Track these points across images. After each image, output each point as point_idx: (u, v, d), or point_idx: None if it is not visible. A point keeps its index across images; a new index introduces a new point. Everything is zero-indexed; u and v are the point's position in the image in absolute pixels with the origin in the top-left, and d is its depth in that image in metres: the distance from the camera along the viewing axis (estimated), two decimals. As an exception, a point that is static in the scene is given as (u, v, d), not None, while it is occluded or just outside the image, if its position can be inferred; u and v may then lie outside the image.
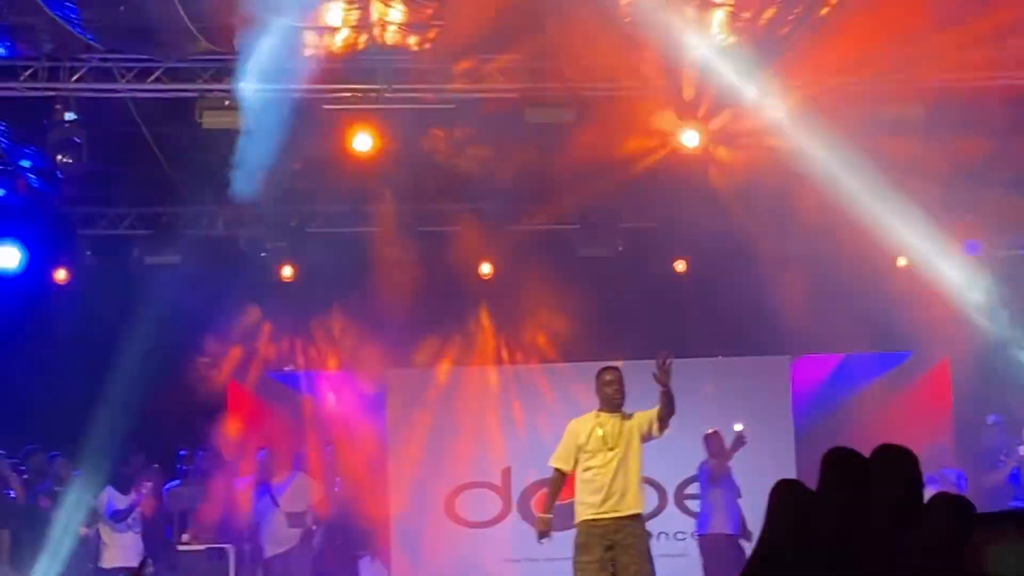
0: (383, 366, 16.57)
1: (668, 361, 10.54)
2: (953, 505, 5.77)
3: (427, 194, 15.65)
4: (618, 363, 11.33)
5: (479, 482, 16.74)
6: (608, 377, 11.01)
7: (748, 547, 13.82)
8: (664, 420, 10.80)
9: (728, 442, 14.74)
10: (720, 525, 14.73)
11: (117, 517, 14.28)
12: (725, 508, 14.72)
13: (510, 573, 16.29)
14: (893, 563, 5.61)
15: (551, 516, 10.89)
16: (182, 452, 15.81)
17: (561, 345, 16.56)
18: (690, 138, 14.00)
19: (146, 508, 14.59)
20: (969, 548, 5.61)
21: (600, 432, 10.89)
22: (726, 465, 14.81)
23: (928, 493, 15.16)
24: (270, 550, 15.10)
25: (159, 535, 15.01)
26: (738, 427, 14.79)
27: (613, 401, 10.93)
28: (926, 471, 14.85)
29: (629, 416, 10.93)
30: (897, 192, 15.00)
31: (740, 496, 14.79)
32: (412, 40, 12.77)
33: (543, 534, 10.87)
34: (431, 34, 12.62)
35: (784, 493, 6.15)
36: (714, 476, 14.76)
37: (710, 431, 14.98)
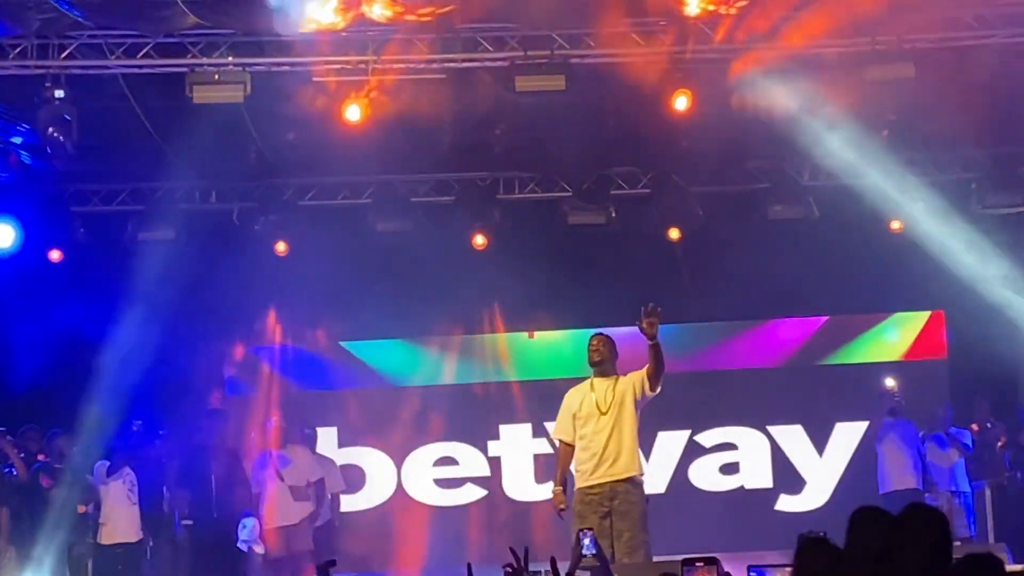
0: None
1: (653, 309, 10.49)
2: (983, 566, 5.77)
3: (420, 165, 15.60)
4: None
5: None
6: (594, 342, 11.08)
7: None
8: (654, 376, 10.78)
9: None
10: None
11: (112, 470, 14.18)
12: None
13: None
14: None
15: (561, 488, 10.94)
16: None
17: (553, 313, 16.59)
18: (680, 102, 13.97)
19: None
20: None
21: (593, 397, 10.94)
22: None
23: (936, 452, 15.19)
24: (272, 522, 15.11)
25: (158, 510, 14.98)
26: (889, 383, 15.18)
27: (596, 364, 10.98)
28: (932, 431, 14.95)
29: (620, 380, 10.95)
30: (889, 154, 15.04)
31: None
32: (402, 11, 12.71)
33: (560, 508, 10.91)
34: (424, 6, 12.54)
35: (811, 551, 6.19)
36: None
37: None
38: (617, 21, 13.09)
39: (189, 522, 14.97)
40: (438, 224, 15.93)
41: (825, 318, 17.36)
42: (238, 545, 14.83)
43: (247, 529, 14.89)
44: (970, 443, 15.44)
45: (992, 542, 14.73)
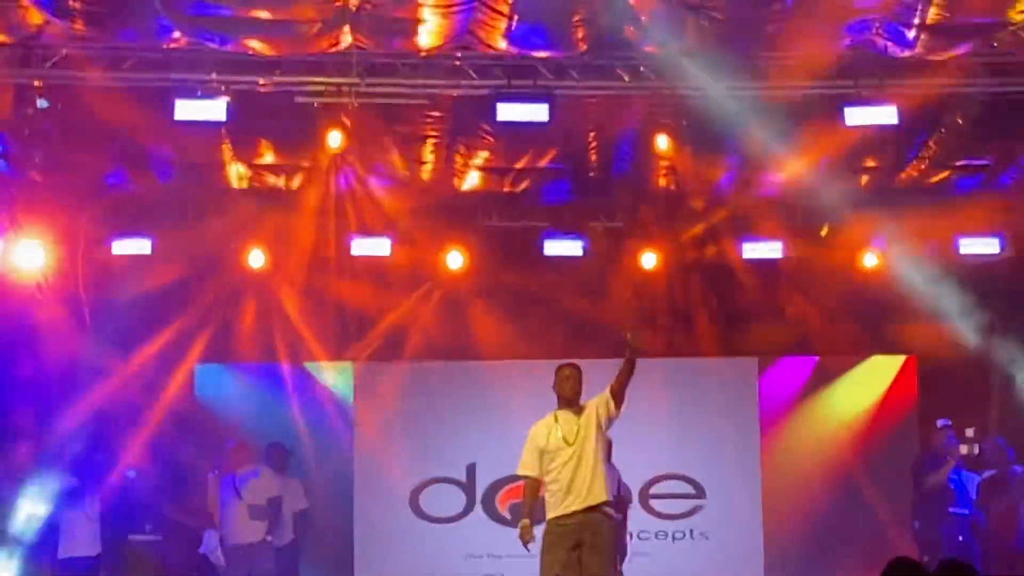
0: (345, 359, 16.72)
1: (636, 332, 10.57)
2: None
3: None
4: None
5: (443, 478, 16.83)
6: (564, 373, 10.98)
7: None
8: (620, 393, 10.72)
9: None
10: None
11: (71, 499, 14.15)
12: None
13: (473, 569, 16.34)
14: None
15: (529, 522, 10.81)
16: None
17: (530, 342, 16.54)
18: (661, 141, 14.11)
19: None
20: None
21: (559, 431, 10.86)
22: None
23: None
24: (231, 540, 15.05)
25: (116, 526, 14.85)
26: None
27: (567, 398, 10.92)
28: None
29: (584, 408, 10.90)
30: (868, 194, 15.08)
31: None
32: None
33: (526, 540, 10.82)
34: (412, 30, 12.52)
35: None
36: None
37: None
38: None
39: (151, 538, 14.89)
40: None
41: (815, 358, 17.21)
42: (201, 551, 14.76)
43: (210, 540, 14.87)
44: None
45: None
